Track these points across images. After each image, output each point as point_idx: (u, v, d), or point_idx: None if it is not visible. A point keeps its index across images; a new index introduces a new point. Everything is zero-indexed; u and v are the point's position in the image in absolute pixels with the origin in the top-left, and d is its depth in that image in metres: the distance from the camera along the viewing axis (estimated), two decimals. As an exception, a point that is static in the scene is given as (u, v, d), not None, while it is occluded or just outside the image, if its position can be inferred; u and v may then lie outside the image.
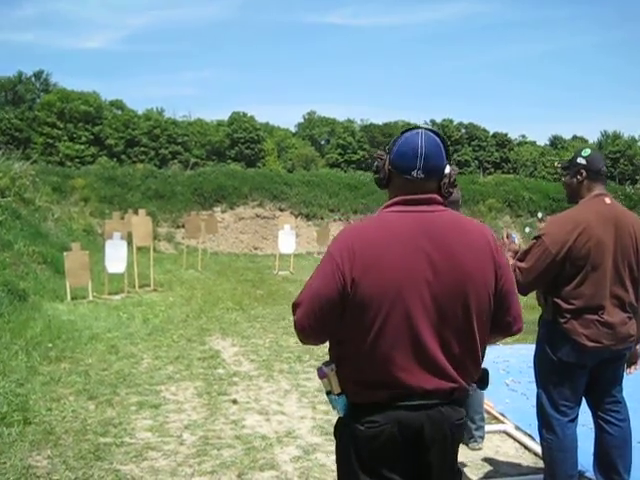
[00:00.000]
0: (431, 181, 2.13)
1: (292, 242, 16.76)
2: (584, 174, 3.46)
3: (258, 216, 24.16)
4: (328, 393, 2.17)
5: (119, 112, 59.06)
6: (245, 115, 67.75)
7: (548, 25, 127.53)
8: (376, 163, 2.21)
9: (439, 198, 2.15)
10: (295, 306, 2.16)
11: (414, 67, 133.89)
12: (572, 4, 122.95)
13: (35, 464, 4.16)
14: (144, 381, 6.12)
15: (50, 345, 7.24)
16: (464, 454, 4.52)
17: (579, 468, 3.62)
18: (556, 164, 4.26)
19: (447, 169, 2.16)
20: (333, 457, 4.35)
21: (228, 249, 22.25)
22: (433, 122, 75.16)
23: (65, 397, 5.55)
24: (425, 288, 2.03)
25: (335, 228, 24.46)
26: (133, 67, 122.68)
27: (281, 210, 24.52)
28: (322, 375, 2.17)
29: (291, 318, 7.95)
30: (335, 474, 2.34)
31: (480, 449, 4.58)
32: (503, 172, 61.08)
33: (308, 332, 2.17)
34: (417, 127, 2.15)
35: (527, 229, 23.11)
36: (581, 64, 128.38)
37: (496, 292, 2.12)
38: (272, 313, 9.87)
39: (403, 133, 2.17)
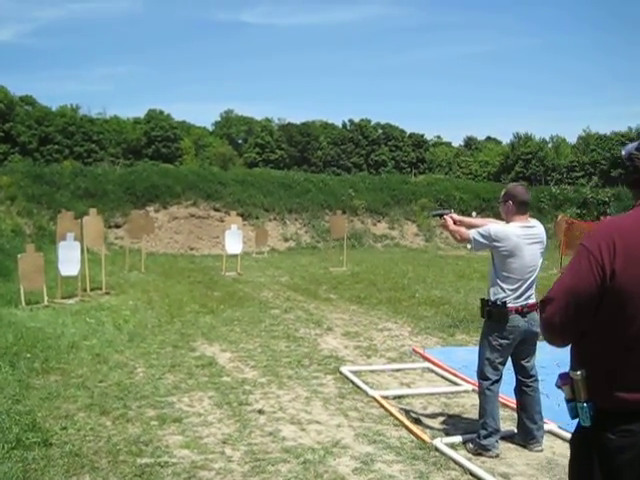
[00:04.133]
0: None
1: (239, 242, 16.32)
2: None
3: (192, 216, 23.49)
4: (568, 401, 2.03)
5: (30, 108, 56.17)
6: (162, 113, 66.23)
7: (462, 29, 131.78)
8: (635, 163, 2.05)
9: None
10: (544, 303, 2.04)
11: (330, 67, 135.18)
12: (482, 10, 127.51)
13: (79, 491, 3.74)
14: (151, 392, 5.68)
15: (29, 355, 6.67)
16: (525, 456, 4.41)
17: None
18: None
19: None
20: (396, 467, 4.18)
21: (163, 249, 21.48)
22: (351, 122, 75.97)
23: (74, 413, 5.07)
24: None
25: (271, 228, 24.07)
26: (43, 62, 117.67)
27: (215, 210, 23.97)
28: (565, 382, 2.02)
29: (268, 321, 7.59)
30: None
31: (542, 450, 4.47)
32: (420, 172, 62.32)
33: (557, 330, 2.05)
34: None
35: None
36: (495, 69, 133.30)
37: None
38: (245, 316, 9.48)
39: None
